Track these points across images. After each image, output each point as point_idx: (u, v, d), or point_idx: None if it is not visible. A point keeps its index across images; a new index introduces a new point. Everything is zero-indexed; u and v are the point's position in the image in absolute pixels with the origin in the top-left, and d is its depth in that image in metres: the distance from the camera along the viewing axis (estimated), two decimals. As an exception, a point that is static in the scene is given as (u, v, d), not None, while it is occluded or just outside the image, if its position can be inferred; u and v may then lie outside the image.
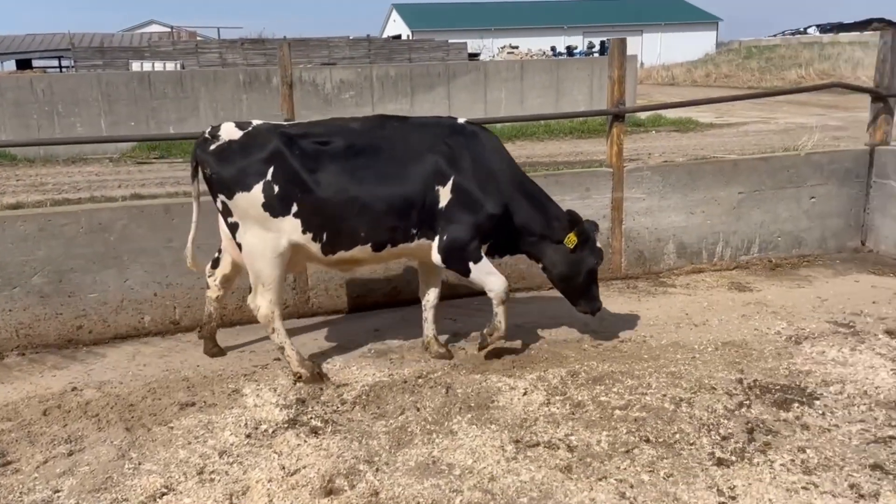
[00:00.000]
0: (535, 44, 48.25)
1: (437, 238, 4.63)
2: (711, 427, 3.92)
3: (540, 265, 5.07)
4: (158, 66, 27.67)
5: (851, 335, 5.12)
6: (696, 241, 6.88)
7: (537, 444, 3.78)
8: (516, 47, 44.63)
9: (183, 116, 17.31)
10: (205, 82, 17.81)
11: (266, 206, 4.33)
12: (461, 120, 4.90)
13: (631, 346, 5.14)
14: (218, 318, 5.15)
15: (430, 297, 5.04)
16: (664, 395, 4.29)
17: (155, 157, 15.94)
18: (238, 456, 3.75)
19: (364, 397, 4.38)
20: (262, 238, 4.39)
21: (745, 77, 37.87)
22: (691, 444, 3.76)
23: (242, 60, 30.18)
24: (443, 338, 5.25)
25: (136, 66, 27.94)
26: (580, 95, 20.18)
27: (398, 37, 48.87)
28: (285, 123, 4.71)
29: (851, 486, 3.35)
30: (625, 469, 3.54)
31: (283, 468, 3.61)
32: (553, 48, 46.99)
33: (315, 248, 4.49)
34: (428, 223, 4.60)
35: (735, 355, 4.88)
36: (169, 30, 46.95)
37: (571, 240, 4.83)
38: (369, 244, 4.56)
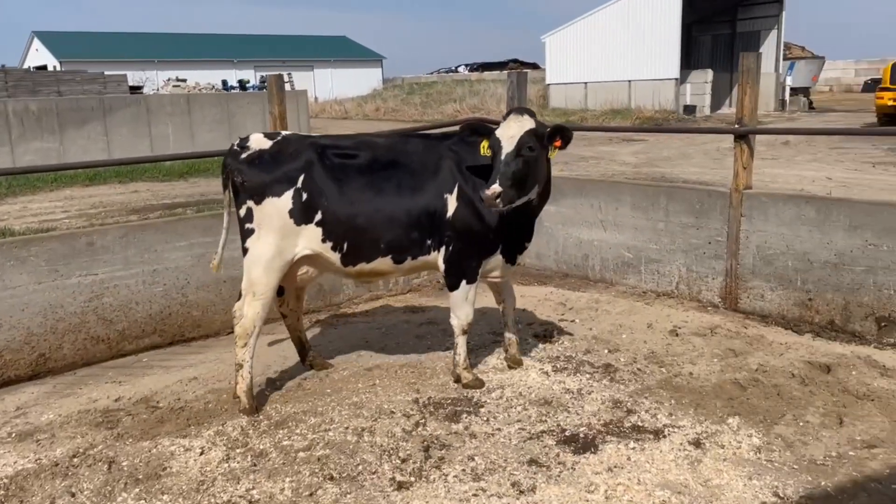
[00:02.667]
0: (204, 77, 46.53)
1: (443, 246, 4.66)
2: (392, 452, 4.03)
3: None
4: None
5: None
6: (370, 270, 7.12)
7: (216, 507, 3.52)
8: (184, 80, 42.62)
9: None
10: None
11: (292, 213, 4.46)
12: None
13: (313, 382, 5.09)
14: (307, 340, 5.36)
15: (507, 308, 5.22)
16: (347, 428, 4.31)
17: None
18: None
19: (2, 493, 3.68)
20: (275, 246, 4.48)
21: (410, 111, 40.85)
22: (373, 473, 3.82)
23: None
24: (111, 400, 4.70)
25: None
26: (254, 129, 19.83)
27: (43, 67, 43.63)
28: (315, 135, 4.82)
29: (513, 485, 3.67)
30: (309, 513, 3.45)
31: None
32: (224, 82, 45.89)
33: (335, 258, 4.61)
34: (439, 234, 4.65)
35: (412, 376, 5.11)
36: None
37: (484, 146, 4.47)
38: (389, 256, 4.64)
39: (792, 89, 34.79)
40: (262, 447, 4.12)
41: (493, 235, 4.66)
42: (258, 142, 4.60)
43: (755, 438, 4.03)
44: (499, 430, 4.27)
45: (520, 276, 7.77)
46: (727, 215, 6.17)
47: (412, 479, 3.76)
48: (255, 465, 3.94)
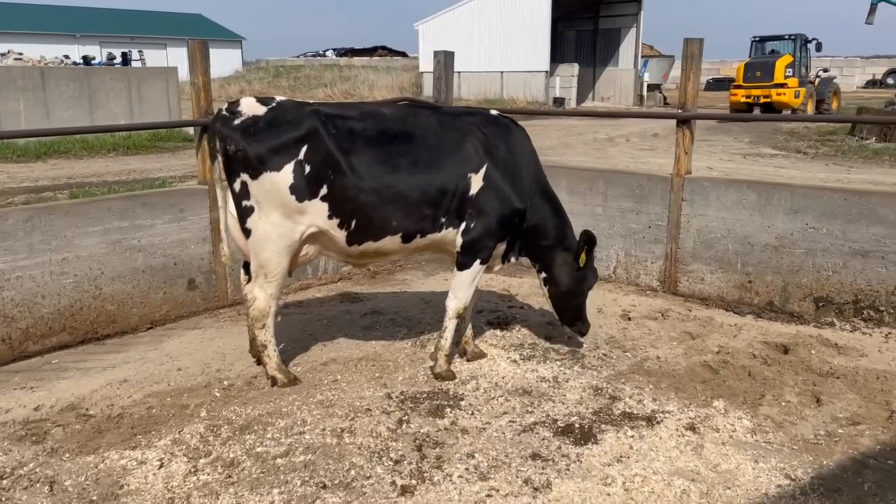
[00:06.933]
0: (41, 51, 42.04)
1: (463, 224, 4.42)
2: (382, 453, 3.68)
3: (542, 276, 4.89)
4: None
5: (464, 331, 5.44)
6: (298, 257, 6.62)
7: (202, 530, 3.04)
8: (20, 54, 38.52)
9: None
10: None
11: (293, 189, 4.05)
12: (493, 111, 4.80)
13: (265, 379, 4.60)
14: None
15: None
16: (324, 429, 3.91)
17: None
18: None
19: (-81, 533, 2.99)
20: (279, 225, 4.13)
21: (278, 94, 39.41)
22: (368, 478, 3.46)
23: None
24: (28, 409, 3.99)
25: None
26: (118, 108, 18.26)
27: None
28: (312, 102, 4.38)
29: (525, 482, 3.44)
30: (316, 529, 3.06)
31: None
32: (66, 56, 41.94)
33: (340, 235, 4.26)
34: (457, 212, 4.40)
35: (374, 370, 4.75)
36: None
37: (584, 259, 4.67)
38: (399, 234, 4.34)
39: (648, 85, 36.96)
40: (232, 456, 3.64)
41: (512, 219, 4.56)
42: (250, 107, 4.13)
43: (745, 420, 4.05)
44: (488, 423, 4.03)
45: (448, 262, 7.53)
46: (668, 200, 6.26)
47: (414, 481, 3.44)
48: (230, 476, 3.46)
